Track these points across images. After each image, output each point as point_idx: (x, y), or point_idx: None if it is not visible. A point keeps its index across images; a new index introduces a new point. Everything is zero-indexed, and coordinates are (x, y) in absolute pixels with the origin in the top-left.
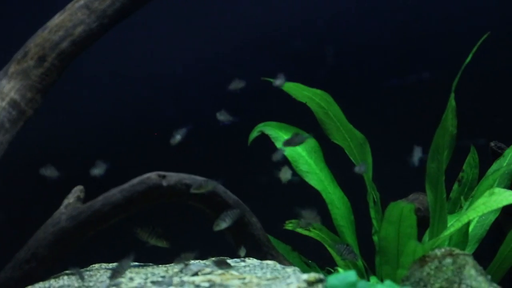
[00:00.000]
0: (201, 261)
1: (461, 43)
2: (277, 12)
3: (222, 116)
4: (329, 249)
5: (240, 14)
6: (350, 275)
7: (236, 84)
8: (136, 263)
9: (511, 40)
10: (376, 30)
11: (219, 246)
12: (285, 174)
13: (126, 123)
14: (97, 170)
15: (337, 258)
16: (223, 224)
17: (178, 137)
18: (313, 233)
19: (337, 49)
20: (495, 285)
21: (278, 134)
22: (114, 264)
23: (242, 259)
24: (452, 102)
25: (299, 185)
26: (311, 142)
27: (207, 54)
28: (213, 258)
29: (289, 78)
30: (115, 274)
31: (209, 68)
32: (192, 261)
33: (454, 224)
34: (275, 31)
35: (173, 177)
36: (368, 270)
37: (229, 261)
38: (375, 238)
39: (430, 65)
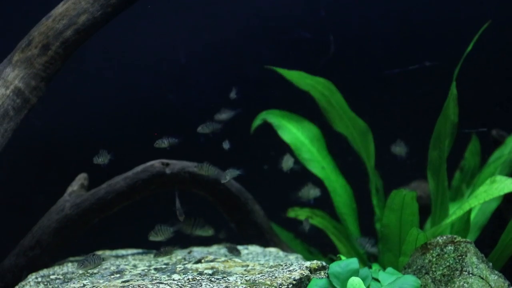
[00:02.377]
0: (205, 248)
1: (462, 32)
2: (280, 1)
3: (204, 129)
4: (331, 236)
5: (243, 3)
6: (353, 262)
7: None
8: (140, 250)
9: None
10: (378, 18)
11: (223, 233)
12: (287, 162)
13: (130, 111)
14: (101, 159)
15: (339, 245)
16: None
17: (165, 143)
18: (315, 221)
19: (339, 38)
20: (496, 272)
21: (281, 122)
22: (118, 251)
23: (245, 246)
24: (453, 90)
25: (302, 173)
26: (313, 130)
27: (209, 43)
28: (218, 245)
29: (292, 67)
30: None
31: (212, 56)
32: (195, 249)
33: (455, 211)
34: (278, 20)
35: (176, 165)
36: (370, 257)
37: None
38: (377, 225)
39: (432, 54)
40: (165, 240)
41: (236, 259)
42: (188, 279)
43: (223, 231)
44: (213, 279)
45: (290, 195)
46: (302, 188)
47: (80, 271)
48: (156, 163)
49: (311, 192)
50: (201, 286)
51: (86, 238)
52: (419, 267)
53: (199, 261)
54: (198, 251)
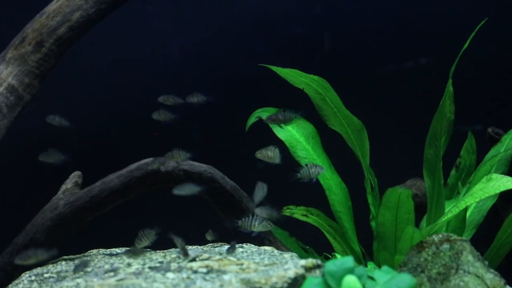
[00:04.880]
0: (199, 247)
1: (459, 29)
2: None
3: (195, 98)
4: (326, 235)
5: (238, 0)
6: (348, 260)
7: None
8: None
9: (509, 26)
10: (374, 16)
11: (217, 231)
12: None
13: (124, 109)
14: (51, 159)
15: (334, 243)
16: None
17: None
18: (310, 219)
19: (334, 35)
20: (492, 270)
21: None
22: (112, 250)
23: (240, 245)
24: (449, 88)
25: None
26: (308, 128)
27: (203, 39)
28: (213, 244)
29: (287, 64)
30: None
31: (206, 54)
32: (189, 247)
33: (451, 210)
34: (273, 17)
35: (170, 163)
36: (366, 255)
37: (227, 246)
38: (372, 224)
39: (427, 51)
40: (151, 243)
41: (231, 258)
42: (183, 277)
43: (211, 232)
44: (207, 277)
45: (285, 193)
46: (302, 169)
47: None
48: (149, 161)
49: (312, 171)
50: (195, 284)
51: (80, 237)
52: (414, 265)
53: (193, 260)
54: (192, 250)
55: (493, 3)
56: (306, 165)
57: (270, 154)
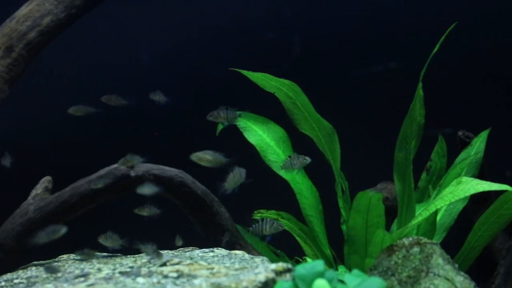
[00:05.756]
0: (170, 252)
1: (428, 33)
2: (245, 1)
3: (157, 96)
4: (297, 238)
5: (208, 4)
6: (318, 264)
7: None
8: (105, 254)
9: (478, 30)
10: (344, 20)
11: (187, 236)
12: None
13: (93, 114)
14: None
15: (305, 247)
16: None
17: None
18: (281, 223)
19: (305, 39)
20: (462, 273)
21: (247, 124)
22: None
23: (211, 249)
24: (420, 91)
25: (268, 175)
26: (279, 132)
27: (173, 43)
28: (182, 249)
29: (257, 68)
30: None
31: (176, 58)
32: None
33: (421, 213)
34: (243, 21)
35: (141, 167)
36: (337, 259)
37: (197, 251)
38: (343, 227)
39: (397, 55)
40: (112, 247)
41: (202, 262)
42: (153, 282)
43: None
44: (178, 282)
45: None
46: (285, 160)
47: (44, 275)
48: (119, 165)
49: (297, 161)
50: None
51: (50, 242)
52: (385, 268)
53: (164, 264)
54: (163, 254)
55: (462, 7)
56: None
57: (223, 115)
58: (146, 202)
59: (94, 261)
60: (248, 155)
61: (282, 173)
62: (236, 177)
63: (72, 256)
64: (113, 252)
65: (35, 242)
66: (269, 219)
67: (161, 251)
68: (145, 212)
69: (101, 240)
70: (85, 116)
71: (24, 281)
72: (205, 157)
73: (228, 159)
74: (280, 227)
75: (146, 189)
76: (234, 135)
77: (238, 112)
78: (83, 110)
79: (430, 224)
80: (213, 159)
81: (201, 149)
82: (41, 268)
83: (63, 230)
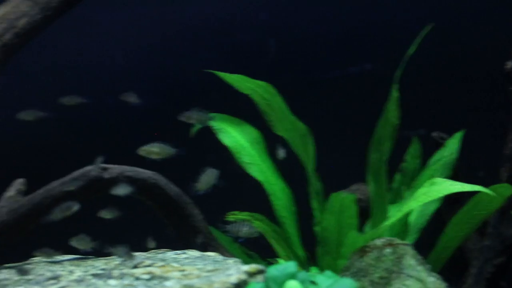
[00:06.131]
0: (142, 254)
1: (404, 34)
2: (220, 3)
3: (130, 97)
4: (270, 240)
5: (182, 5)
6: (290, 265)
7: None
8: (77, 256)
9: (453, 31)
10: (318, 21)
11: (160, 238)
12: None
13: (68, 115)
14: None
15: (278, 248)
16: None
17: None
18: (255, 224)
19: (279, 41)
20: (434, 274)
21: (222, 126)
22: (55, 257)
23: (183, 251)
24: (394, 93)
25: (242, 176)
26: (253, 133)
27: (148, 45)
28: (154, 251)
29: (232, 70)
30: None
31: (151, 59)
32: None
33: (394, 214)
34: (218, 23)
35: (114, 169)
36: (310, 260)
37: (170, 253)
38: (316, 228)
39: (372, 57)
40: (83, 249)
41: (174, 264)
42: (125, 284)
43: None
44: (150, 284)
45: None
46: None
47: (16, 278)
48: (94, 167)
49: (279, 152)
50: None
51: (22, 245)
52: (357, 270)
53: (136, 266)
54: (136, 256)
55: (437, 8)
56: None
57: (195, 117)
58: (109, 205)
59: (66, 263)
60: (223, 157)
61: (256, 175)
62: (209, 177)
63: (44, 258)
64: (85, 255)
65: (51, 219)
66: (247, 222)
67: (133, 253)
68: (108, 215)
69: (73, 242)
70: (36, 121)
71: None
72: (152, 150)
73: (176, 149)
74: (255, 233)
75: (121, 190)
76: (210, 137)
77: (210, 114)
78: (33, 115)
79: (403, 225)
80: (160, 151)
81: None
82: (13, 271)
83: (76, 206)
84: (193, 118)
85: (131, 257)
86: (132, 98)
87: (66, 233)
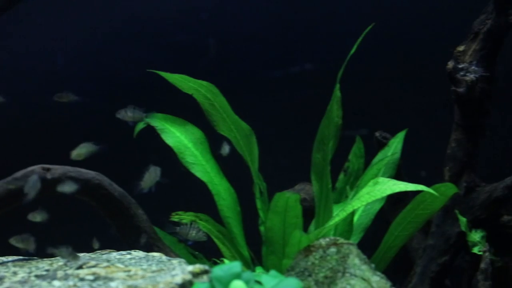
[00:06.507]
0: (87, 254)
1: (345, 34)
2: (160, 3)
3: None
4: (215, 240)
5: (122, 5)
6: (235, 265)
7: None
8: (20, 257)
9: (394, 31)
10: (259, 21)
11: (104, 239)
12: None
13: (7, 116)
14: None
15: (223, 249)
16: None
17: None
18: (199, 225)
19: (221, 41)
20: (378, 273)
21: (164, 126)
22: (2, 258)
23: (128, 251)
24: (337, 92)
25: (186, 176)
26: (197, 133)
27: (87, 45)
28: (99, 251)
29: (174, 70)
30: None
31: (91, 59)
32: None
33: (338, 213)
34: (159, 23)
35: (57, 170)
36: (255, 260)
37: (114, 253)
38: (261, 228)
39: (314, 56)
40: (24, 249)
41: (118, 265)
42: (69, 285)
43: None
44: (94, 285)
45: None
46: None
47: None
48: (36, 168)
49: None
50: None
51: None
52: (302, 269)
53: (80, 267)
54: (80, 257)
55: (379, 8)
56: None
57: (130, 115)
58: (38, 207)
59: (9, 264)
60: (166, 157)
61: (200, 175)
62: (152, 175)
63: None
64: (27, 256)
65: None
66: (197, 225)
67: (77, 254)
68: (37, 218)
69: (14, 241)
70: None
71: None
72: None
73: (99, 146)
74: (204, 237)
75: (67, 187)
76: (152, 137)
77: (145, 113)
78: None
79: (347, 225)
80: (86, 151)
81: (119, 150)
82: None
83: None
84: (128, 116)
85: (75, 257)
86: (67, 98)
87: (7, 234)
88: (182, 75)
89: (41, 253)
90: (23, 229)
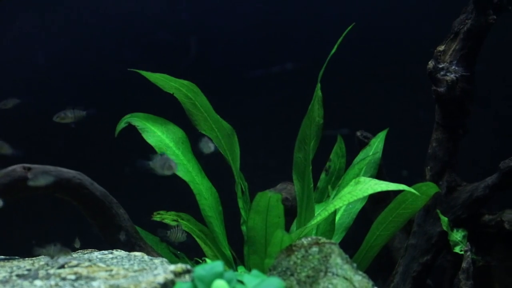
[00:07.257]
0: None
1: (327, 33)
2: (142, 3)
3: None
4: (197, 239)
5: (104, 5)
6: (217, 265)
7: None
8: (2, 256)
9: (375, 30)
10: (241, 20)
11: (86, 238)
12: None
13: None
14: None
15: (205, 248)
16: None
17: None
18: (181, 224)
19: (202, 40)
20: (360, 272)
21: (146, 125)
22: None
23: (110, 251)
24: (318, 92)
25: (167, 176)
26: (178, 133)
27: (69, 44)
28: (81, 251)
29: (155, 69)
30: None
31: (72, 58)
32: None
33: (321, 213)
34: (140, 22)
35: (38, 169)
36: (237, 260)
37: (96, 253)
38: (243, 228)
39: (295, 56)
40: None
41: (100, 264)
42: (51, 284)
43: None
44: (76, 284)
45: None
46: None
47: None
48: (17, 167)
49: (206, 146)
50: None
51: None
52: (284, 269)
53: (62, 267)
54: (62, 257)
55: (360, 7)
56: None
57: (70, 115)
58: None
59: None
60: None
61: (182, 174)
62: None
63: None
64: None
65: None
66: (181, 227)
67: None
68: None
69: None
70: None
71: None
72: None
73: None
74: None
75: (42, 181)
76: (134, 136)
77: (83, 112)
78: None
79: (329, 224)
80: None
81: (98, 150)
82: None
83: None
84: (69, 117)
85: (66, 253)
86: (11, 103)
87: None
88: (163, 74)
89: (23, 253)
90: (4, 229)
